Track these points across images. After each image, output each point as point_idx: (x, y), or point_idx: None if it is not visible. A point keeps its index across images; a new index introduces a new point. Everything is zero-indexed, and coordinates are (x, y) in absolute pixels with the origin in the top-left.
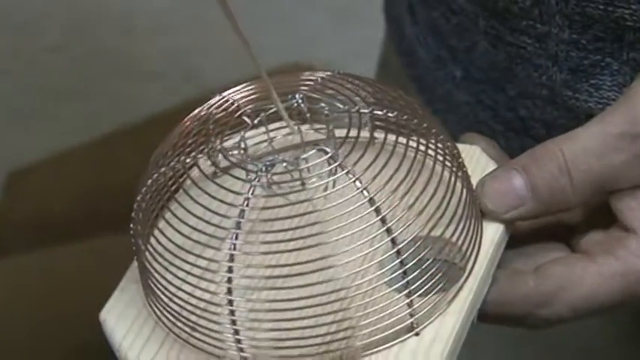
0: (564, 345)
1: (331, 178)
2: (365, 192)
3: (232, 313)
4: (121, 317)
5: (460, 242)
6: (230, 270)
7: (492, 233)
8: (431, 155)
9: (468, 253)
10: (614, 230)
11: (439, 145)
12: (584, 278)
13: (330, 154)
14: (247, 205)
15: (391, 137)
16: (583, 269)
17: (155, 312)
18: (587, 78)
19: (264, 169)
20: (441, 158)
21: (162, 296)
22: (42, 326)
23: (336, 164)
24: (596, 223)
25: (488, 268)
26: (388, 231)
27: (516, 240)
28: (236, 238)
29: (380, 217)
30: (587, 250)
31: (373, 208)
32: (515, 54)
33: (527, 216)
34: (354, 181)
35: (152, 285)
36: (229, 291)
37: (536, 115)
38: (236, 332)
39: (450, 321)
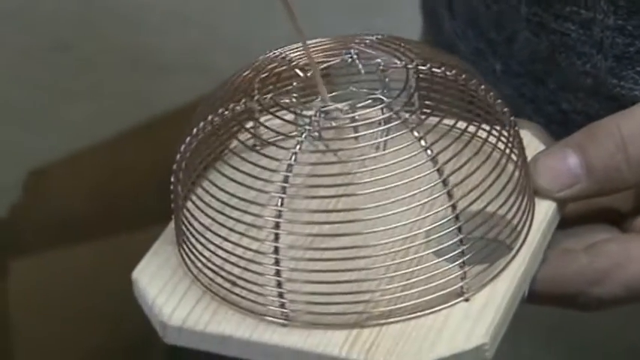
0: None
1: (386, 128)
2: (429, 150)
3: (277, 264)
4: (155, 276)
5: (512, 217)
6: (277, 226)
7: (545, 210)
8: (487, 123)
9: (520, 226)
10: None
11: (497, 111)
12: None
13: (386, 103)
14: (295, 160)
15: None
16: (639, 247)
17: (192, 270)
18: (632, 65)
19: (317, 114)
20: (497, 130)
21: (203, 250)
22: (62, 326)
23: (391, 113)
24: None
25: (540, 242)
26: (449, 194)
27: (565, 222)
28: (284, 193)
29: (442, 178)
30: None
31: (436, 168)
32: (559, 42)
33: (581, 195)
34: (419, 140)
35: (191, 239)
36: (276, 246)
37: (578, 108)
38: (279, 284)
39: (501, 288)
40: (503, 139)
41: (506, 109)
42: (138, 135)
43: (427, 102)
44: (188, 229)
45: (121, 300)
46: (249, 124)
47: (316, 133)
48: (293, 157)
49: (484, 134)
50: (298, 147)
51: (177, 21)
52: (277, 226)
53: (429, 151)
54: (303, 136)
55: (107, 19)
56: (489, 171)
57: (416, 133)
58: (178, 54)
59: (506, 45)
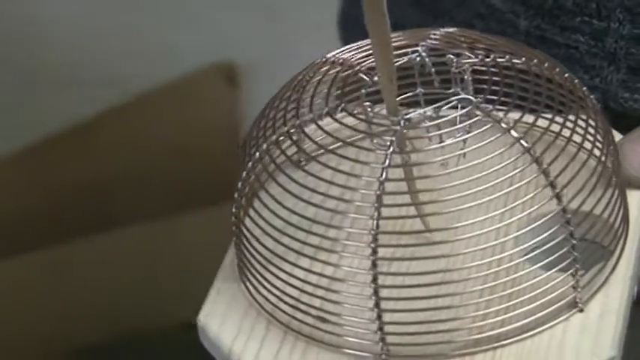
0: None
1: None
2: (532, 151)
3: (376, 293)
4: (226, 319)
5: (609, 215)
6: (375, 251)
7: (637, 202)
8: (574, 113)
9: (619, 225)
10: None
11: (584, 98)
12: None
13: (474, 102)
14: (387, 177)
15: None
16: None
17: (265, 307)
18: None
19: (402, 122)
20: (585, 121)
21: (275, 280)
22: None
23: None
24: None
25: None
26: (558, 197)
27: None
28: (379, 216)
29: (550, 180)
30: None
31: (542, 171)
32: (564, 56)
33: None
34: (519, 140)
35: (258, 270)
36: (374, 274)
37: None
38: (379, 316)
39: (614, 293)
40: (591, 131)
41: (592, 96)
42: (48, 146)
43: (510, 97)
44: (251, 262)
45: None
46: (294, 138)
47: (397, 146)
48: (384, 174)
49: (577, 130)
50: (388, 161)
51: (83, 33)
52: (375, 251)
53: (532, 152)
54: (390, 150)
55: (13, 32)
56: (586, 168)
57: (514, 134)
58: (85, 66)
59: None
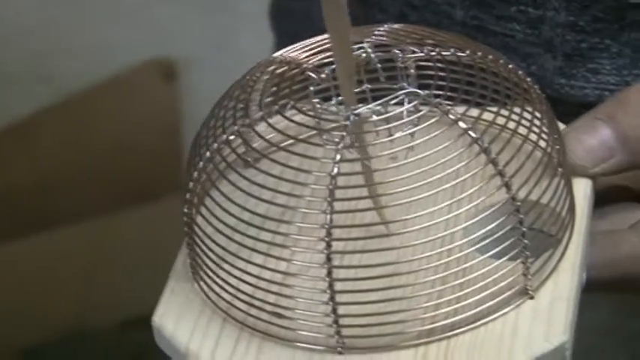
0: None
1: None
2: (480, 141)
3: (331, 287)
4: (181, 319)
5: (556, 203)
6: (329, 245)
7: (583, 189)
8: (518, 104)
9: (565, 212)
10: None
11: (529, 90)
12: None
13: (422, 96)
14: (339, 172)
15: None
16: None
17: (219, 305)
18: (584, 63)
19: (351, 118)
20: (530, 113)
21: (229, 278)
22: None
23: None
24: None
25: (587, 226)
26: (507, 186)
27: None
28: (331, 210)
29: (498, 169)
30: None
31: (490, 160)
32: (499, 44)
33: (618, 169)
34: (467, 132)
35: (212, 268)
36: (329, 267)
37: None
38: (334, 309)
39: (564, 280)
40: (537, 122)
41: (537, 86)
42: None
43: (456, 90)
44: (203, 260)
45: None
46: (244, 137)
47: (348, 140)
48: (335, 169)
49: (522, 122)
50: (339, 156)
51: (17, 30)
52: (329, 245)
53: (480, 142)
54: (341, 145)
55: None
56: (532, 159)
57: (462, 125)
58: (20, 64)
59: None
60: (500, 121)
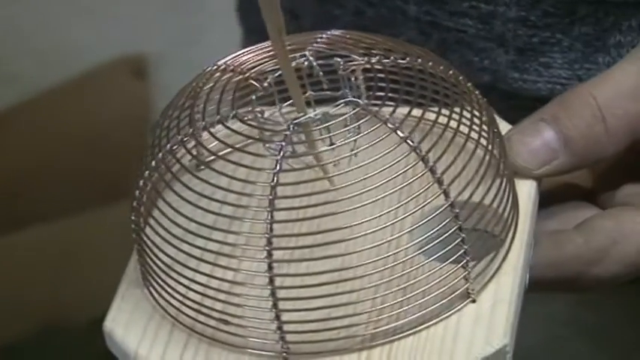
0: None
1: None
2: (418, 150)
3: (274, 294)
4: (131, 324)
5: (499, 204)
6: (270, 254)
7: (527, 191)
8: (459, 108)
9: (508, 213)
10: None
11: (469, 94)
12: (636, 230)
13: (362, 105)
14: (278, 182)
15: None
16: (632, 221)
17: (169, 312)
18: (536, 57)
19: (291, 127)
20: (470, 113)
21: (177, 286)
22: None
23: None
24: (615, 180)
25: (530, 227)
26: (445, 194)
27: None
28: (272, 218)
29: (436, 177)
30: (629, 203)
31: (428, 169)
32: (453, 40)
33: (561, 170)
34: (405, 141)
35: (161, 276)
36: (271, 276)
37: None
38: (277, 316)
39: (506, 282)
40: (477, 122)
41: (477, 91)
42: None
43: (397, 95)
44: (153, 268)
45: None
46: (191, 144)
47: (290, 149)
48: (275, 179)
49: (463, 123)
50: (279, 166)
51: None
52: (270, 254)
53: (418, 151)
54: (280, 154)
55: None
56: (473, 160)
57: (400, 134)
58: None
59: None
60: (441, 123)
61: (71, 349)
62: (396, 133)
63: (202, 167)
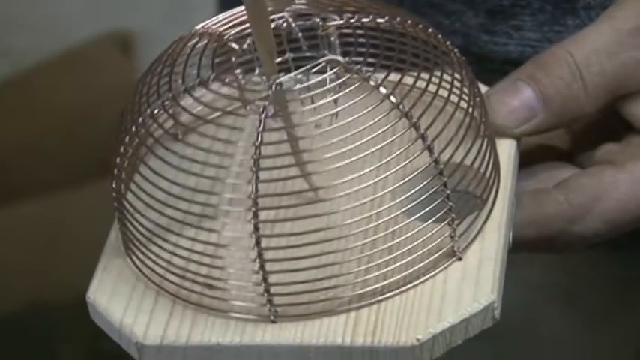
0: None
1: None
2: (401, 106)
3: (260, 256)
4: (114, 294)
5: (480, 165)
6: (256, 215)
7: (507, 150)
8: (439, 68)
9: (490, 173)
10: (632, 137)
11: (449, 54)
12: (617, 186)
13: (343, 63)
14: (262, 141)
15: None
16: (613, 177)
17: (153, 279)
18: (506, 19)
19: (273, 87)
20: (450, 75)
21: (161, 251)
22: None
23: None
24: (593, 141)
25: (512, 185)
26: (429, 150)
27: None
28: (257, 178)
29: (420, 134)
30: (608, 161)
31: (412, 125)
32: (424, 2)
33: (540, 129)
34: (388, 97)
35: (143, 243)
36: (257, 236)
37: None
38: (264, 278)
39: (491, 240)
40: (457, 84)
41: (456, 50)
42: None
43: (377, 55)
44: (135, 236)
45: None
46: (170, 111)
47: (271, 109)
48: (259, 138)
49: (443, 85)
50: (262, 126)
51: None
52: (256, 215)
53: (401, 107)
54: (263, 114)
55: None
56: (454, 121)
57: (383, 90)
58: None
59: None
60: (421, 84)
61: (61, 326)
62: (379, 90)
63: (182, 133)
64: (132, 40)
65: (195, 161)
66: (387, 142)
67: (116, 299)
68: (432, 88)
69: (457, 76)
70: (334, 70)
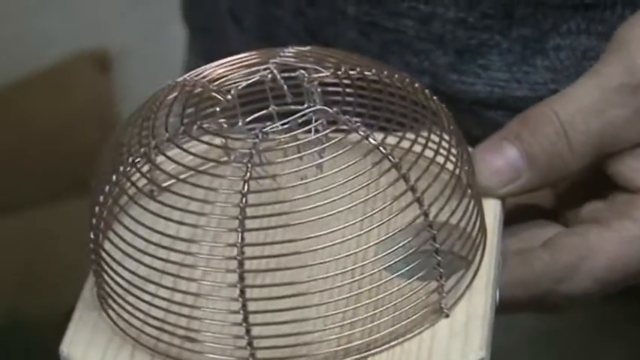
0: None
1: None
2: (390, 157)
3: (244, 308)
4: (90, 347)
5: (465, 225)
6: (242, 264)
7: (493, 209)
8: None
9: (477, 232)
10: (617, 195)
11: (436, 110)
12: (603, 245)
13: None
14: (249, 190)
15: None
16: (599, 236)
17: (129, 333)
18: (474, 59)
19: (260, 135)
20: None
21: (138, 302)
22: None
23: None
24: (578, 199)
25: (498, 243)
26: (419, 202)
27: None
28: (243, 228)
29: (410, 185)
30: (594, 219)
31: (401, 175)
32: (392, 40)
33: (525, 189)
34: (378, 147)
35: (120, 294)
36: (242, 287)
37: None
38: (247, 331)
39: (478, 298)
40: (445, 144)
41: (443, 106)
42: None
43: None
44: (112, 287)
45: None
46: (146, 168)
47: (257, 159)
48: (246, 186)
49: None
50: (248, 175)
51: None
52: (242, 264)
53: (390, 157)
54: (250, 164)
55: None
56: (440, 179)
57: (372, 140)
58: None
59: None
60: (407, 144)
61: (39, 342)
62: (369, 140)
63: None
64: (109, 57)
65: (176, 208)
66: (374, 193)
67: (91, 353)
68: (419, 148)
69: (445, 136)
70: (320, 121)
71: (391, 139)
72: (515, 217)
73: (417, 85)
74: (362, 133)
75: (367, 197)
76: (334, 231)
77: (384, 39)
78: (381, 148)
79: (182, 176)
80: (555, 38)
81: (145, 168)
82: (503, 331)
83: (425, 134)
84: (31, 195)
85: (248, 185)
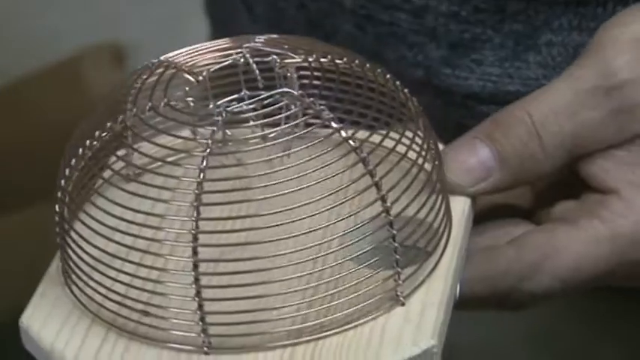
0: None
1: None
2: (358, 150)
3: (197, 282)
4: (49, 319)
5: (433, 218)
6: (195, 239)
7: (461, 206)
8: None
9: (441, 227)
10: (589, 195)
11: (406, 102)
12: (569, 244)
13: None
14: (204, 177)
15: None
16: (566, 235)
17: (89, 307)
18: (467, 53)
19: (224, 114)
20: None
21: (103, 279)
22: None
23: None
24: (553, 198)
25: (463, 240)
26: (382, 199)
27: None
28: (198, 215)
29: (375, 181)
30: (563, 218)
31: (368, 171)
32: (387, 33)
33: (496, 188)
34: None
35: (85, 271)
36: (195, 262)
37: None
38: (200, 307)
39: (437, 287)
40: (417, 138)
41: (414, 99)
42: None
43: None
44: (77, 264)
45: None
46: (122, 151)
47: (220, 135)
48: (202, 175)
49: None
50: (205, 162)
51: None
52: (195, 252)
53: (358, 152)
54: (208, 151)
55: None
56: (409, 173)
57: (343, 133)
58: None
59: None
60: (377, 138)
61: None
62: (340, 133)
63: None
64: (124, 51)
65: (152, 186)
66: (340, 187)
67: (49, 325)
68: (389, 143)
69: (418, 133)
70: (294, 110)
71: (362, 134)
72: (492, 215)
73: (388, 76)
74: (335, 125)
75: (333, 190)
76: (298, 220)
77: (379, 32)
78: (350, 142)
79: (155, 154)
80: (547, 34)
81: (113, 158)
82: (501, 331)
83: (396, 130)
84: (43, 190)
85: (204, 173)
